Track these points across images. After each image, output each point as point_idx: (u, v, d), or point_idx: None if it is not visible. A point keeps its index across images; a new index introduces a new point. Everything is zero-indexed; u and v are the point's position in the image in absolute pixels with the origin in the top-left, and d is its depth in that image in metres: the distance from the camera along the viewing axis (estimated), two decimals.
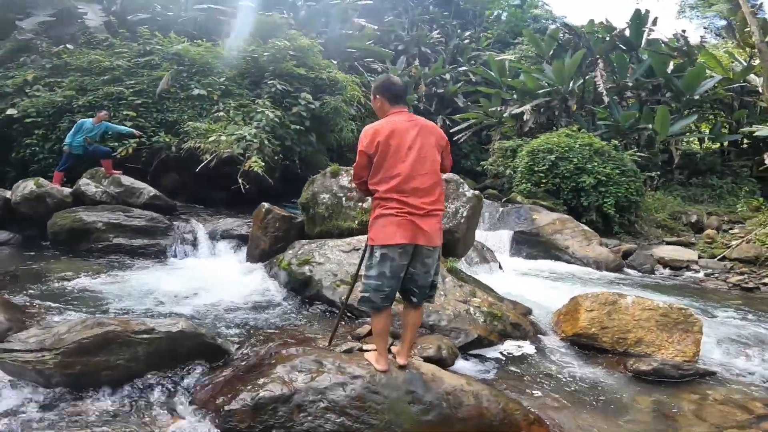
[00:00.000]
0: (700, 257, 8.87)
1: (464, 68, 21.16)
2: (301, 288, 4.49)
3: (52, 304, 3.67)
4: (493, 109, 16.13)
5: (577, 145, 10.55)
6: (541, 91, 14.46)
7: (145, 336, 2.73)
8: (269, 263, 5.40)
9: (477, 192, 5.33)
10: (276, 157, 8.86)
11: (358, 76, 12.85)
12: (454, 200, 5.15)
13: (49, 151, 8.07)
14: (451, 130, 18.23)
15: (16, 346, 2.46)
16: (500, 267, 6.55)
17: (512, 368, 3.57)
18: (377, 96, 2.81)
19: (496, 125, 16.21)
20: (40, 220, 5.95)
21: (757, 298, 6.66)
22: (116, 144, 8.05)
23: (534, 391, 3.23)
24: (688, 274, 8.17)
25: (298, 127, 9.46)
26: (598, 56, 14.08)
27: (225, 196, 8.93)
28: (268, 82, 9.78)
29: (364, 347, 3.26)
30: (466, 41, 23.34)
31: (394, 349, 2.99)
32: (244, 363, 3.02)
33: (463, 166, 20.04)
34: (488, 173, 14.72)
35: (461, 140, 17.57)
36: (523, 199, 10.10)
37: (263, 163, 7.94)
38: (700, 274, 8.10)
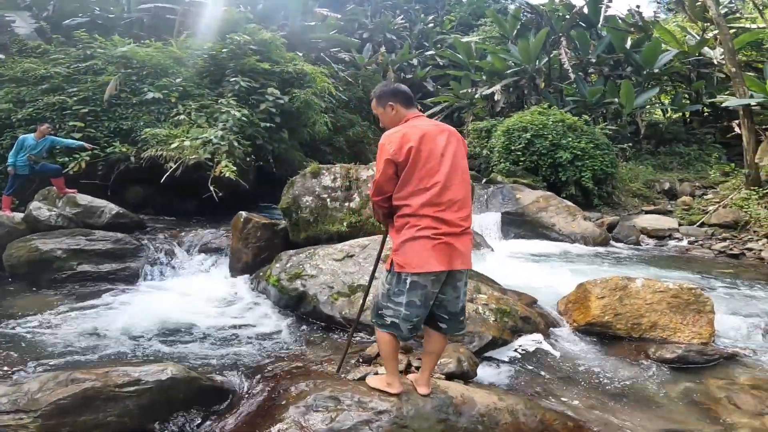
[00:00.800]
0: (680, 224, 9.00)
1: (431, 52, 20.96)
2: (295, 305, 4.12)
3: (15, 354, 3.20)
4: (464, 91, 16.04)
5: (551, 122, 10.63)
6: (509, 71, 14.47)
7: (131, 389, 2.39)
8: (255, 276, 5.00)
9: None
10: (248, 159, 8.33)
11: (325, 67, 12.37)
12: None
13: None
14: (424, 114, 18.09)
15: None
16: (492, 251, 6.36)
17: (532, 368, 3.36)
18: (390, 103, 2.46)
19: (468, 107, 16.15)
20: None
21: (745, 265, 6.75)
22: (66, 159, 7.34)
23: (562, 392, 3.04)
24: (672, 243, 8.25)
25: (268, 124, 8.94)
26: (560, 34, 14.16)
27: (196, 205, 8.34)
28: (231, 80, 9.20)
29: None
30: (430, 25, 23.16)
31: (411, 377, 2.70)
32: (249, 406, 2.67)
33: None
34: None
35: None
36: (503, 178, 10.07)
37: (235, 168, 7.41)
38: (684, 242, 8.19)
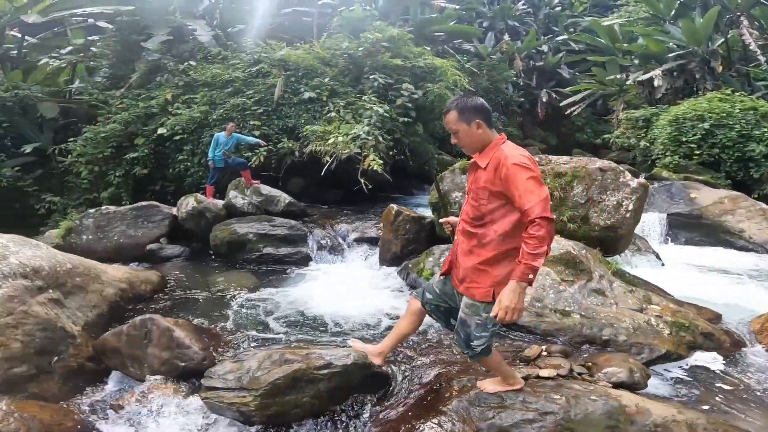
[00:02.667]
0: None
1: (563, 37, 19.50)
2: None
3: (228, 325, 3.87)
4: (611, 77, 14.59)
5: (737, 110, 9.09)
6: (670, 55, 12.78)
7: (324, 372, 2.70)
8: (403, 267, 5.27)
9: (643, 180, 4.67)
10: (390, 153, 8.78)
11: (450, 59, 12.35)
12: (615, 191, 4.54)
13: (197, 164, 8.77)
14: (561, 104, 16.95)
15: (217, 384, 2.56)
16: (658, 258, 5.77)
17: (710, 386, 3.05)
18: (477, 120, 2.26)
19: (617, 94, 14.66)
20: (201, 233, 6.45)
21: None
22: (249, 154, 8.54)
23: (745, 414, 2.72)
24: None
25: (404, 119, 9.29)
26: (738, 13, 12.07)
27: (342, 195, 9.16)
28: (369, 77, 9.71)
29: (541, 374, 2.96)
30: (558, 9, 21.46)
31: (376, 348, 2.77)
32: (411, 395, 2.86)
33: (579, 140, 18.60)
34: (613, 146, 13.45)
35: (574, 113, 16.26)
36: (669, 174, 8.91)
37: (381, 161, 7.88)
38: None
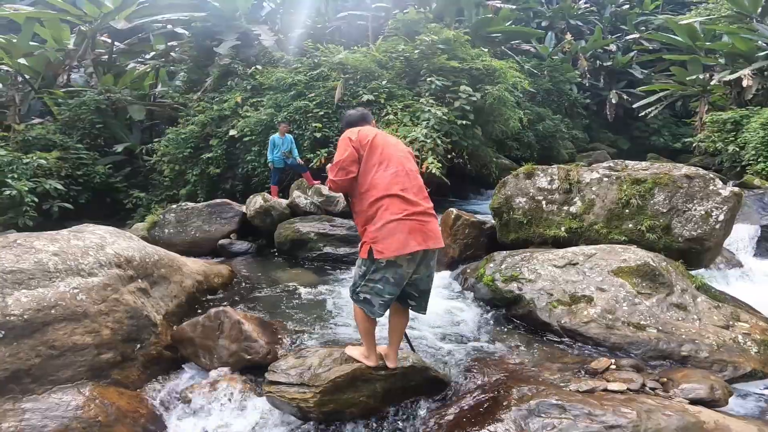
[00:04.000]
0: None
1: (633, 36, 18.41)
2: (508, 306, 4.13)
3: (290, 321, 3.97)
4: (693, 77, 13.58)
5: None
6: (761, 54, 11.70)
7: (382, 372, 2.70)
8: (461, 272, 5.16)
9: (736, 189, 4.28)
10: (448, 156, 8.68)
11: (508, 60, 12.01)
12: (703, 200, 4.19)
13: (264, 165, 9.15)
14: (633, 106, 16.03)
15: (280, 378, 2.64)
16: (747, 273, 5.28)
17: None
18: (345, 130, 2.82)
19: (701, 95, 13.63)
20: (267, 230, 6.73)
21: None
22: (311, 155, 8.79)
23: None
24: None
25: (462, 121, 9.14)
26: None
27: None
28: (426, 80, 9.65)
29: (609, 387, 2.78)
30: (626, 6, 20.27)
31: (381, 350, 2.79)
32: (468, 400, 2.79)
33: (654, 144, 17.51)
34: (695, 151, 12.52)
35: (650, 115, 15.30)
36: (762, 182, 8.13)
37: (439, 164, 7.81)
38: None
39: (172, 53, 13.61)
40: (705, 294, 3.73)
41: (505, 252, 4.68)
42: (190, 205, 7.26)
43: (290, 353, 2.99)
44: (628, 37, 18.77)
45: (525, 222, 5.02)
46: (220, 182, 9.94)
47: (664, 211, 4.29)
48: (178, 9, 12.22)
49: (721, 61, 13.16)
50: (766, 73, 11.79)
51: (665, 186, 4.32)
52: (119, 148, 11.59)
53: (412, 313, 2.86)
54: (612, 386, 2.77)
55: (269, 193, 7.76)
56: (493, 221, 5.54)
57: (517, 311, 4.02)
